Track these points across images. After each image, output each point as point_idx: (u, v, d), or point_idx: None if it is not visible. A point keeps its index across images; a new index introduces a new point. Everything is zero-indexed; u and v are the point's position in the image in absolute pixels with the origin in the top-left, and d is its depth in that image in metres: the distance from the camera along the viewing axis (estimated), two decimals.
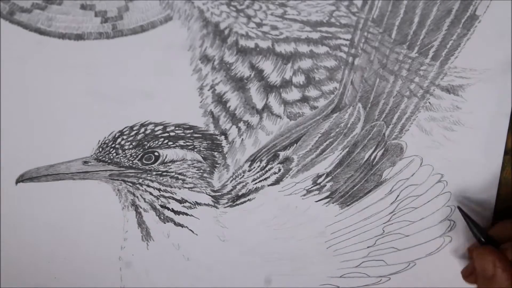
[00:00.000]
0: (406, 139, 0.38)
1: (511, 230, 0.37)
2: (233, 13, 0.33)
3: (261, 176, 0.39)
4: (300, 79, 0.36)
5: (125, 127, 0.37)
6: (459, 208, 0.39)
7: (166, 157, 0.38)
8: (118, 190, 0.40)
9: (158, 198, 0.40)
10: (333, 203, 0.41)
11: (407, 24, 0.33)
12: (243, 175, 0.39)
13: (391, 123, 0.38)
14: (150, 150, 0.38)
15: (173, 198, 0.40)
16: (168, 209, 0.41)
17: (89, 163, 0.38)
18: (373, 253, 0.43)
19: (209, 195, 0.40)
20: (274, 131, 0.38)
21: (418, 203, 0.41)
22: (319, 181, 0.40)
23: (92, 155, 0.38)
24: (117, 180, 0.39)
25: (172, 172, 0.39)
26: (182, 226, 0.41)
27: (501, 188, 0.40)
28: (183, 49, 0.34)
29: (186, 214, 0.41)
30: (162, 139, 0.38)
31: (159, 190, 0.40)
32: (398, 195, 0.40)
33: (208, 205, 0.41)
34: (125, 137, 0.37)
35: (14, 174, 0.38)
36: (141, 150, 0.38)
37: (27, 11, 0.32)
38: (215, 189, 0.40)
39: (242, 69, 0.35)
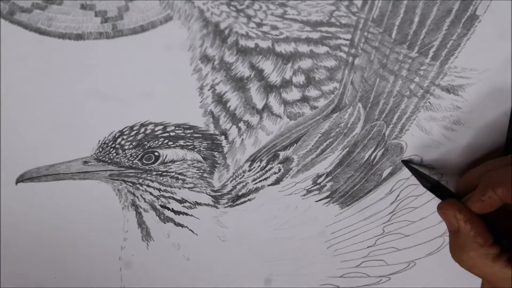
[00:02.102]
0: (406, 139, 0.38)
1: (475, 181, 0.35)
2: (233, 13, 0.33)
3: (261, 176, 0.39)
4: (300, 79, 0.36)
5: (125, 127, 0.37)
6: (404, 162, 0.39)
7: (166, 157, 0.38)
8: (118, 190, 0.40)
9: (158, 198, 0.40)
10: (333, 203, 0.41)
11: (407, 24, 0.33)
12: (243, 175, 0.39)
13: (391, 123, 0.38)
14: (150, 150, 0.38)
15: (173, 198, 0.40)
16: (168, 209, 0.41)
17: (89, 163, 0.38)
18: (373, 253, 0.43)
19: (209, 195, 0.40)
20: (274, 131, 0.38)
21: (418, 203, 0.41)
22: (319, 181, 0.40)
23: (92, 155, 0.38)
24: (117, 180, 0.39)
25: (172, 172, 0.39)
26: (182, 226, 0.41)
27: None
28: (183, 49, 0.34)
29: (186, 214, 0.41)
30: (162, 139, 0.38)
31: (159, 190, 0.40)
32: (398, 195, 0.40)
33: (208, 205, 0.41)
34: (125, 137, 0.37)
35: (14, 174, 0.38)
36: (141, 150, 0.38)
37: (27, 11, 0.32)
38: (215, 189, 0.40)
39: (242, 69, 0.35)
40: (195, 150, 0.38)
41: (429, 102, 0.37)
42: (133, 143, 0.37)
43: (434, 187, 0.37)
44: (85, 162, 0.38)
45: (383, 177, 0.40)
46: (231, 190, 0.40)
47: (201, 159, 0.39)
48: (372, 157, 0.39)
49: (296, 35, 0.34)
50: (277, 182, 0.40)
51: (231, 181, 0.40)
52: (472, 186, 0.35)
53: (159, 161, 0.39)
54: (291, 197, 0.40)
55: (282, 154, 0.39)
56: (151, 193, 0.40)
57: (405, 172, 0.39)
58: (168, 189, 0.40)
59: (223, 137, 0.38)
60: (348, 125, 0.38)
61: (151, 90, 0.36)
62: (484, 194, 0.32)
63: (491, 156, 0.38)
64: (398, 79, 0.36)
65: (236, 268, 0.44)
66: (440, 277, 0.43)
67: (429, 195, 0.40)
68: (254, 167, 0.39)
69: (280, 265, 0.43)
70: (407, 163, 0.39)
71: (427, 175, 0.38)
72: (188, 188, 0.40)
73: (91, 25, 0.33)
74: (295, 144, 0.38)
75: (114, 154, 0.38)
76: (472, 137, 0.38)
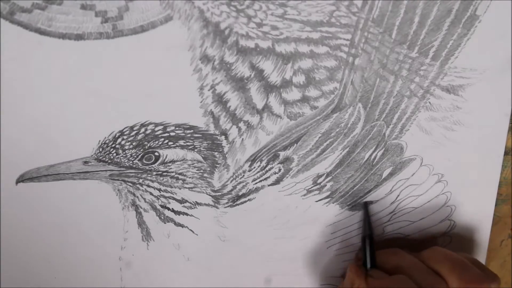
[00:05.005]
0: (406, 139, 0.38)
1: (394, 260, 0.38)
2: (233, 13, 0.33)
3: (261, 176, 0.39)
4: (300, 79, 0.36)
5: (125, 127, 0.37)
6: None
7: (166, 157, 0.38)
8: (118, 190, 0.40)
9: (158, 198, 0.40)
10: (333, 203, 0.41)
11: (407, 24, 0.34)
12: (243, 175, 0.39)
13: (391, 123, 0.38)
14: (150, 150, 0.38)
15: (174, 198, 0.40)
16: (168, 209, 0.41)
17: (89, 163, 0.38)
18: None
19: (209, 195, 0.40)
20: (274, 131, 0.38)
21: (418, 203, 0.41)
22: (319, 181, 0.40)
23: (92, 155, 0.38)
24: (117, 180, 0.39)
25: (172, 172, 0.39)
26: (182, 226, 0.41)
27: (501, 188, 0.40)
28: (183, 49, 0.34)
29: (186, 214, 0.41)
30: (162, 139, 0.38)
31: (159, 190, 0.40)
32: (398, 195, 0.41)
33: (208, 205, 0.41)
34: (125, 137, 0.37)
35: (14, 174, 0.38)
36: (141, 150, 0.38)
37: (27, 11, 0.32)
38: (216, 189, 0.40)
39: (242, 69, 0.35)
40: (195, 150, 0.38)
41: (429, 102, 0.37)
42: (133, 143, 0.37)
43: (369, 237, 0.39)
44: (85, 162, 0.38)
45: (383, 177, 0.40)
46: (231, 190, 0.40)
47: (201, 159, 0.39)
48: (372, 157, 0.39)
49: (296, 35, 0.34)
50: (277, 182, 0.40)
51: (231, 181, 0.40)
52: (390, 264, 0.38)
53: (159, 161, 0.38)
54: (291, 197, 0.40)
55: (282, 154, 0.39)
56: (151, 193, 0.40)
57: (405, 172, 0.40)
58: (168, 189, 0.40)
59: (223, 137, 0.38)
60: (348, 125, 0.38)
61: (151, 90, 0.36)
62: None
63: (491, 156, 0.38)
64: (398, 79, 0.36)
65: (236, 268, 0.44)
66: None
67: (429, 195, 0.40)
68: (254, 167, 0.39)
69: (280, 265, 0.43)
70: (366, 205, 0.41)
71: (372, 226, 0.40)
72: (188, 188, 0.40)
73: (91, 25, 0.33)
74: (295, 144, 0.38)
75: (114, 154, 0.38)
76: (472, 137, 0.38)
